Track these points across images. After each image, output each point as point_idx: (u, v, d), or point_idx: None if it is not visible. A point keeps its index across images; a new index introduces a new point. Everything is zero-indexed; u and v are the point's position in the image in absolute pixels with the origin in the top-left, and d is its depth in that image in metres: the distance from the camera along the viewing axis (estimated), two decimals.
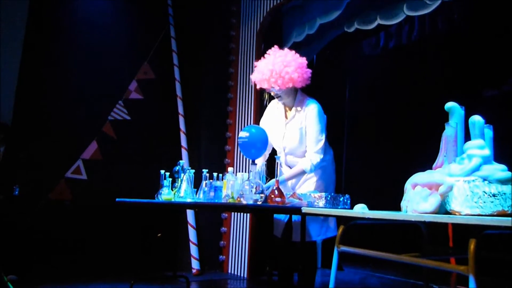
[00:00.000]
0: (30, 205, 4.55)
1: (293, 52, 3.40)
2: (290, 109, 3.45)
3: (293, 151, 3.43)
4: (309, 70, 3.35)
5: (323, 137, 3.32)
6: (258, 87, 3.45)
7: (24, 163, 4.53)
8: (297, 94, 3.42)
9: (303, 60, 3.36)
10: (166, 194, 3.28)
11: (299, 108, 3.39)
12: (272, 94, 3.44)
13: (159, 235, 4.73)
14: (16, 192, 4.41)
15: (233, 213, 5.01)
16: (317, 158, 3.27)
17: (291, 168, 3.44)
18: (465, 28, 4.68)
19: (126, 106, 5.14)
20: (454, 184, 1.88)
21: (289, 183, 3.42)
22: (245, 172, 3.97)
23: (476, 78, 4.98)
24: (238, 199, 2.96)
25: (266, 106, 3.72)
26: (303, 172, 3.32)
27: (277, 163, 3.01)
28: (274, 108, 3.58)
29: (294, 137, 3.38)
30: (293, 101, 3.42)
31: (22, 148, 4.55)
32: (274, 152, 3.64)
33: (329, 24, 4.51)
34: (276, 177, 2.96)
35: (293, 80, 3.26)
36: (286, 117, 3.48)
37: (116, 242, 4.69)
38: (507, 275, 3.33)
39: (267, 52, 3.43)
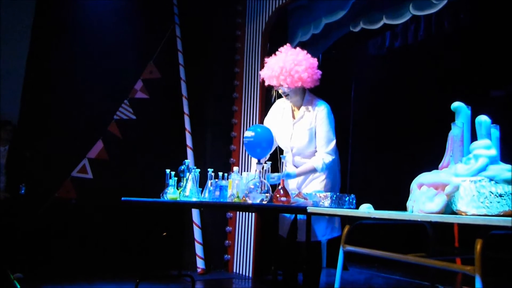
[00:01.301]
0: (36, 204, 4.58)
1: (305, 52, 3.37)
2: (298, 109, 3.42)
3: (301, 152, 3.39)
4: (319, 72, 3.32)
5: (335, 137, 3.31)
6: (266, 83, 3.41)
7: (30, 162, 4.55)
8: (306, 94, 3.39)
9: (314, 61, 3.33)
10: (171, 193, 3.28)
11: (308, 109, 3.36)
12: (280, 92, 3.41)
13: (164, 234, 4.74)
14: (22, 191, 4.43)
15: (238, 212, 5.02)
16: (329, 158, 3.26)
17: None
18: (472, 27, 4.67)
19: (132, 106, 5.15)
20: (460, 184, 1.88)
21: (295, 182, 3.41)
22: (250, 171, 3.97)
23: (482, 78, 4.98)
24: (244, 198, 2.96)
25: (273, 104, 3.69)
26: (313, 170, 3.29)
27: (283, 162, 3.01)
28: (280, 108, 3.53)
29: (302, 137, 3.35)
30: (301, 101, 3.39)
31: (28, 147, 4.57)
32: (280, 151, 3.63)
33: (334, 24, 4.49)
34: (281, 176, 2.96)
35: (302, 80, 3.23)
36: (293, 117, 3.44)
37: (121, 241, 4.71)
38: None
39: (278, 49, 3.39)
